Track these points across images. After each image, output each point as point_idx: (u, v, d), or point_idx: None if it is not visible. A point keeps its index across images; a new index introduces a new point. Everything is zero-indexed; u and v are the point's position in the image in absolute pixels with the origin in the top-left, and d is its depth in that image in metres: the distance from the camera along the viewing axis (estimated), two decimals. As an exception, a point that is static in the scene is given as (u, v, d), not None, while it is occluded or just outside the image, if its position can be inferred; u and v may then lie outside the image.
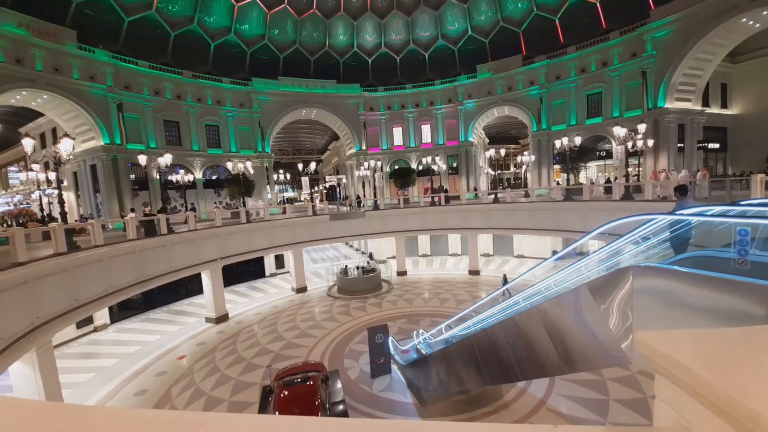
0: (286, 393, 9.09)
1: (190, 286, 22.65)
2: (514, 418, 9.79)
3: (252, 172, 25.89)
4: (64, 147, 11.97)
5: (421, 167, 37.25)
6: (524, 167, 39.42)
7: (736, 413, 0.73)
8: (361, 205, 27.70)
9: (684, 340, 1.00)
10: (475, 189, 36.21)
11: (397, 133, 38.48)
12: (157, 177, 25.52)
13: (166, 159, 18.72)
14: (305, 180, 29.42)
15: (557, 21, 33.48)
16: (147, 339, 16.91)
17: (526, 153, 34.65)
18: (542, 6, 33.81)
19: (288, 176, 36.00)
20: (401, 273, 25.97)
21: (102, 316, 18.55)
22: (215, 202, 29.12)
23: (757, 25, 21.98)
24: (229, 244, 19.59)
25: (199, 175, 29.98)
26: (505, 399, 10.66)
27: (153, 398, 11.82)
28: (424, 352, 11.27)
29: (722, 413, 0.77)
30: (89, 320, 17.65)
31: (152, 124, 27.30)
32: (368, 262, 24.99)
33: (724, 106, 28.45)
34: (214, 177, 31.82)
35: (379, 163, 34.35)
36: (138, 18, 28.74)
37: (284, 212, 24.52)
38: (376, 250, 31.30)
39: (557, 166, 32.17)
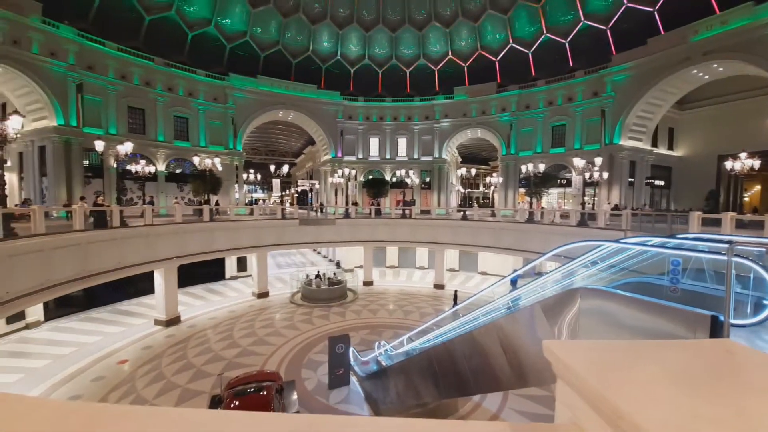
0: (237, 403, 8.68)
1: (140, 285, 21.12)
2: None
3: (220, 168, 24.92)
4: (12, 125, 10.92)
5: (394, 179, 37.73)
6: (492, 188, 41.14)
7: (609, 411, 0.85)
8: (323, 211, 27.44)
9: (580, 349, 1.13)
10: (459, 206, 37.15)
11: (374, 144, 38.86)
12: (114, 165, 23.89)
13: (126, 147, 17.57)
14: (276, 182, 28.74)
15: (530, 55, 35.80)
16: (85, 340, 15.51)
17: (494, 174, 36.24)
18: (517, 40, 36.06)
19: (259, 177, 34.95)
20: (368, 283, 25.88)
21: (35, 311, 16.81)
22: (176, 198, 27.55)
23: (706, 77, 24.04)
24: (188, 243, 18.61)
25: (161, 167, 28.41)
26: (460, 412, 10.83)
27: (86, 405, 10.82)
28: (384, 364, 11.22)
29: (600, 411, 0.89)
30: (21, 315, 15.92)
31: (115, 109, 25.63)
32: (335, 273, 24.66)
33: (670, 147, 31.42)
34: (178, 171, 30.27)
35: (353, 172, 34.37)
36: (111, -2, 27.30)
37: (251, 213, 23.74)
38: (344, 258, 31.03)
39: (522, 190, 33.85)
